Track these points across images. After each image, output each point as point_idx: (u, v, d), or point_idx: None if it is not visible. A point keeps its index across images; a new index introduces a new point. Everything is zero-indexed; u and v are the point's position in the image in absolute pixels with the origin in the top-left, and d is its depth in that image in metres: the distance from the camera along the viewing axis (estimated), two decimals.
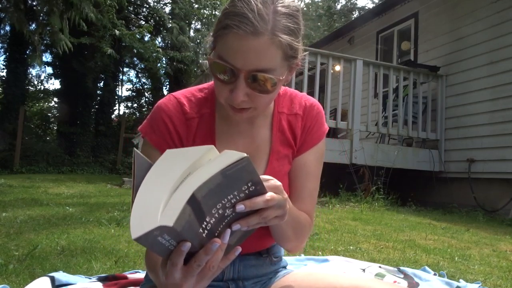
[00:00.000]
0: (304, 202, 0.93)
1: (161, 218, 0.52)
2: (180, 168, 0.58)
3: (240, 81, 0.76)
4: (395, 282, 1.58)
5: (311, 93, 5.23)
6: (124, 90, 32.21)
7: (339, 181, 4.91)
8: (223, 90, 0.79)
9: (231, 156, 0.57)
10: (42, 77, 22.95)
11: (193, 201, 0.54)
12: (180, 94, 0.95)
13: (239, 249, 0.67)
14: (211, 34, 0.82)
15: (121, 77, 19.05)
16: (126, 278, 1.50)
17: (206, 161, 0.59)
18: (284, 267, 1.03)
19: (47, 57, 14.90)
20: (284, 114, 0.96)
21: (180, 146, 0.89)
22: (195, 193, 0.54)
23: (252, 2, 0.74)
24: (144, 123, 0.92)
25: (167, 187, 0.55)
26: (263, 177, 0.65)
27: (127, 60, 17.79)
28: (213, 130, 0.92)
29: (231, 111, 0.82)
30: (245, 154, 0.57)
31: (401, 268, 1.81)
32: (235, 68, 0.75)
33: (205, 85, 0.98)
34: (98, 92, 14.85)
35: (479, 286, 1.68)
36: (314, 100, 0.99)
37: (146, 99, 20.78)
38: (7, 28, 13.07)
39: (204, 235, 0.59)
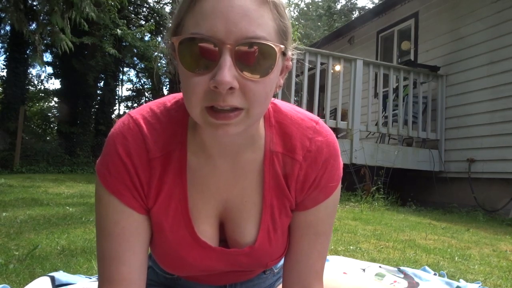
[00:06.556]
0: (314, 265, 0.74)
1: None
2: None
3: (225, 58, 0.52)
4: (395, 282, 1.58)
5: (311, 93, 5.25)
6: (124, 90, 32.24)
7: None
8: (198, 86, 0.54)
9: None
10: (42, 77, 22.95)
11: None
12: (141, 117, 0.68)
13: None
14: (169, 31, 0.61)
15: (121, 76, 19.09)
16: None
17: None
18: None
19: (47, 57, 14.89)
20: (278, 154, 0.71)
21: (141, 193, 0.68)
22: None
23: None
24: (100, 160, 0.69)
25: None
26: None
27: (127, 60, 17.78)
28: (183, 172, 0.69)
29: (213, 120, 0.55)
30: None
31: (401, 268, 1.81)
32: (215, 40, 0.52)
33: (177, 98, 0.72)
34: (98, 91, 14.81)
35: (479, 286, 1.68)
36: (326, 136, 0.72)
37: (146, 99, 20.79)
38: (7, 28, 13.07)
39: None
